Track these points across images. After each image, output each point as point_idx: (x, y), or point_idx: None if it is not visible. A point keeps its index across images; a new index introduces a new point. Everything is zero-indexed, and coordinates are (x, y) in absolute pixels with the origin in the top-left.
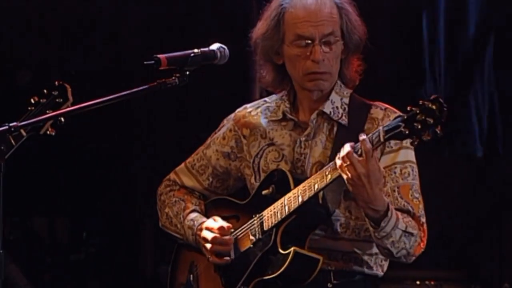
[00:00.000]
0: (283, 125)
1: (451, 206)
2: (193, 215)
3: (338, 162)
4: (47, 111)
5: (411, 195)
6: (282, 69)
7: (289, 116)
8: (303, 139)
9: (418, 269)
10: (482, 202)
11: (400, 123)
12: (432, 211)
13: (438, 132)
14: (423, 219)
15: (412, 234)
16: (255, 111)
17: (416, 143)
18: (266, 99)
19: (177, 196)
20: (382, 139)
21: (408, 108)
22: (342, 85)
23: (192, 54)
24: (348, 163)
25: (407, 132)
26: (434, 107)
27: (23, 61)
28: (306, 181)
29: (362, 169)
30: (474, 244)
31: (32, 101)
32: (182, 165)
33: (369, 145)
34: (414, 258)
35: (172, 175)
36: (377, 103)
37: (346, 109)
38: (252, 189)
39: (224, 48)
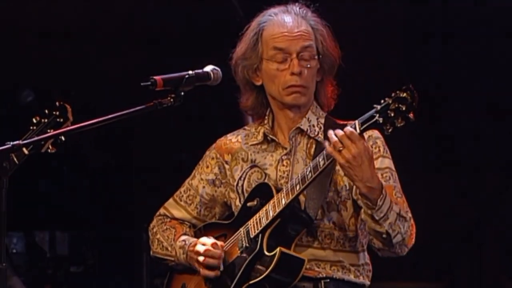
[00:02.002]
0: (264, 148)
1: (432, 220)
2: (184, 237)
3: (330, 149)
4: (48, 130)
5: (395, 195)
6: (261, 92)
7: (270, 136)
8: (284, 157)
9: (400, 280)
10: (463, 216)
11: (374, 114)
12: (414, 224)
13: (411, 118)
14: (410, 215)
15: (405, 218)
16: (235, 138)
17: (390, 130)
18: (245, 127)
19: (168, 225)
20: (358, 131)
21: (382, 101)
22: (318, 107)
23: (186, 76)
24: (341, 147)
25: (381, 120)
26: (405, 95)
27: (25, 82)
28: (288, 184)
29: (355, 149)
30: (455, 257)
31: (34, 120)
32: (170, 199)
33: (351, 129)
34: (407, 250)
35: (161, 210)
36: (351, 122)
37: (322, 128)
38: (236, 212)
39: (217, 70)
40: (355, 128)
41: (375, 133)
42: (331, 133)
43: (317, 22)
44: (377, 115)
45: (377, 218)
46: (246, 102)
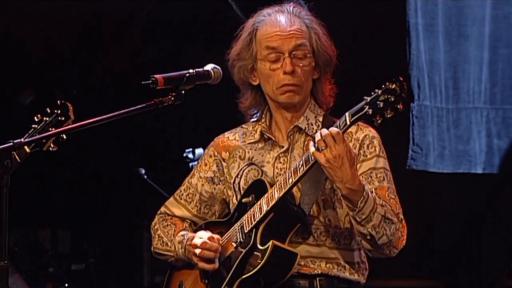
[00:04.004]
0: (261, 146)
1: (431, 218)
2: (183, 232)
3: (313, 149)
4: (50, 129)
5: (388, 196)
6: (258, 91)
7: (266, 135)
8: (281, 154)
9: (399, 278)
10: (462, 214)
11: (364, 106)
12: (413, 222)
13: (400, 108)
14: (402, 216)
15: (392, 221)
16: (232, 136)
17: (380, 121)
18: (242, 125)
19: (169, 221)
20: (348, 122)
21: (372, 93)
22: (316, 105)
23: (187, 74)
24: (324, 146)
25: (370, 111)
26: (394, 86)
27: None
28: (281, 178)
29: (337, 150)
30: (453, 255)
31: (36, 119)
32: (171, 198)
33: (336, 129)
34: (396, 251)
35: (162, 208)
36: None
37: (320, 126)
38: (232, 209)
39: (218, 69)
40: (345, 120)
41: (372, 132)
42: (317, 134)
43: (312, 21)
44: (367, 106)
45: (358, 220)
46: (245, 102)
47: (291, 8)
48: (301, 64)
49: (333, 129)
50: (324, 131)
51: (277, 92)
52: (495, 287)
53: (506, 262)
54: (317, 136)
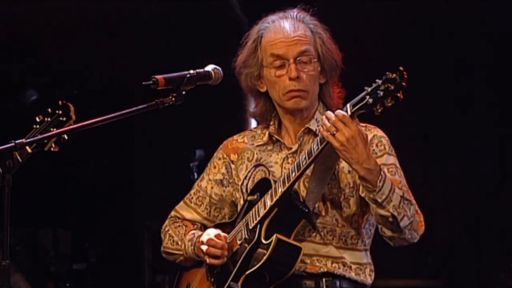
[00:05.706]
0: (269, 149)
1: (431, 218)
2: (194, 231)
3: (325, 133)
4: (51, 129)
5: (401, 188)
6: (267, 98)
7: (275, 137)
8: (290, 155)
9: (398, 278)
10: (461, 214)
11: (365, 96)
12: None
13: (400, 97)
14: (416, 205)
15: (410, 202)
16: (241, 139)
17: (380, 110)
18: (251, 128)
19: (180, 223)
20: (349, 112)
21: (373, 83)
22: (326, 108)
23: (188, 75)
24: (335, 130)
25: (371, 101)
26: (394, 75)
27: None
28: (284, 174)
29: (349, 132)
30: (453, 255)
31: (37, 119)
32: (181, 202)
33: (342, 112)
34: (417, 236)
35: (173, 212)
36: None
37: None
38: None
39: (218, 69)
40: (346, 111)
41: (380, 132)
42: (324, 118)
43: (316, 25)
44: (368, 96)
45: (379, 200)
46: (255, 109)
47: (295, 13)
48: (306, 70)
49: (339, 112)
50: (331, 116)
51: (284, 98)
52: (495, 287)
53: (506, 262)
54: (326, 123)
